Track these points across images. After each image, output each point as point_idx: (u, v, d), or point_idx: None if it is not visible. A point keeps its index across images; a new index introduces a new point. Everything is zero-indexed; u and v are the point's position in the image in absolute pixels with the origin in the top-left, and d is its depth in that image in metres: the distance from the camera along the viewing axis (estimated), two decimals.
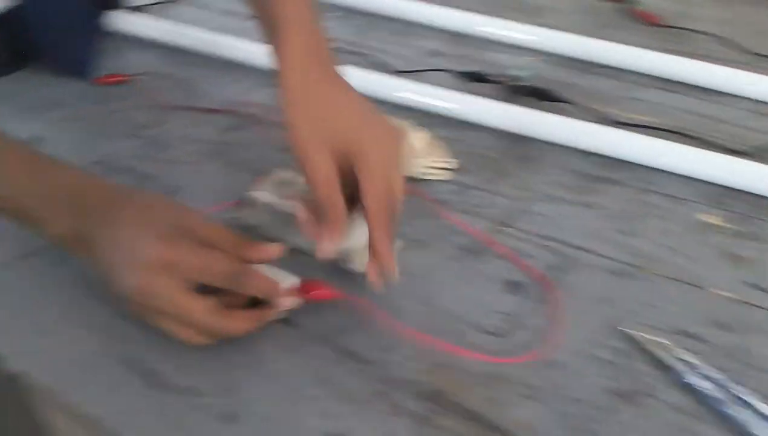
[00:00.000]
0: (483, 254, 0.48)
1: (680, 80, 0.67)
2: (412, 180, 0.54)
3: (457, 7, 0.79)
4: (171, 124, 0.62)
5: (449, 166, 0.56)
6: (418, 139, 0.56)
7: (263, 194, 0.49)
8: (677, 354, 0.41)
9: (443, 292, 0.46)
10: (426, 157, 0.56)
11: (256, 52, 0.68)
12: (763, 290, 0.45)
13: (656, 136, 0.58)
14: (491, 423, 0.38)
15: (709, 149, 0.57)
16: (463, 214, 0.52)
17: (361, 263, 0.44)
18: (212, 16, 0.81)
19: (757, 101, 0.64)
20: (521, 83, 0.65)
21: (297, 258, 0.45)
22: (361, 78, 0.63)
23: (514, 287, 0.46)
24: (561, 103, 0.63)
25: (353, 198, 0.41)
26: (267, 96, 0.65)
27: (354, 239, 0.44)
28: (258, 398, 0.39)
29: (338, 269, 0.46)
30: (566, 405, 0.39)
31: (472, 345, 0.42)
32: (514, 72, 0.67)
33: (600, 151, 0.57)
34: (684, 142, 0.58)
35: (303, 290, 0.43)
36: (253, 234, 0.48)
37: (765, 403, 0.38)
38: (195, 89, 0.67)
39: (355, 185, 0.40)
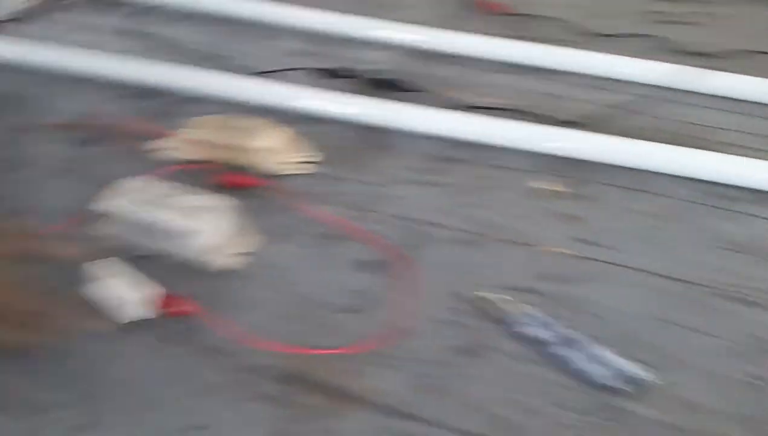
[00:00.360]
0: (341, 240, 0.51)
1: (522, 63, 0.72)
2: (273, 175, 0.56)
3: (317, 7, 0.82)
4: (23, 144, 0.60)
5: (312, 160, 0.58)
6: (279, 136, 0.58)
7: (116, 204, 0.49)
8: (517, 308, 0.44)
9: (303, 279, 0.48)
10: (287, 154, 0.58)
11: (106, 65, 0.67)
12: (591, 243, 0.50)
13: (499, 116, 0.63)
14: (350, 394, 0.40)
15: (544, 123, 0.62)
16: (324, 204, 0.54)
17: (218, 257, 0.46)
18: (61, 33, 0.79)
19: (590, 76, 0.70)
20: (378, 76, 0.68)
21: (153, 263, 0.46)
22: (222, 82, 0.64)
23: (371, 266, 0.49)
24: (416, 93, 0.67)
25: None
26: (118, 108, 0.65)
27: (210, 234, 0.45)
28: (116, 405, 0.39)
29: (193, 270, 0.47)
30: (418, 367, 0.41)
31: (333, 325, 0.44)
32: (371, 66, 0.70)
33: (447, 135, 0.60)
34: (522, 119, 0.63)
35: (162, 304, 0.44)
36: (107, 245, 0.48)
37: (594, 342, 0.42)
38: (45, 106, 0.65)
39: None
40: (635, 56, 0.73)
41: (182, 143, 0.57)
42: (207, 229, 0.46)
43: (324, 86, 0.67)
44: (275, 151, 0.57)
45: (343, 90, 0.66)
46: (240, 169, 0.55)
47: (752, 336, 0.43)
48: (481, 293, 0.46)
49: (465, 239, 0.51)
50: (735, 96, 0.65)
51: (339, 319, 0.44)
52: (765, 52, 0.72)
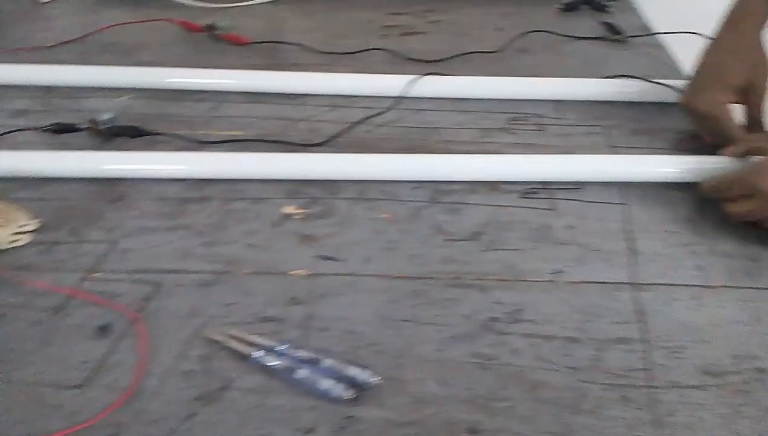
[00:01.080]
0: (68, 309, 0.47)
1: (265, 91, 0.73)
2: None
3: (45, 61, 0.77)
4: None
5: (30, 229, 0.54)
6: None
7: None
8: (254, 341, 0.44)
9: (26, 360, 0.44)
10: (3, 227, 0.53)
11: None
12: (329, 258, 0.52)
13: (240, 149, 0.63)
14: None
15: (287, 149, 0.64)
16: (49, 273, 0.50)
17: None
18: None
19: (331, 96, 0.73)
20: (111, 125, 0.65)
21: None
22: None
23: (102, 331, 0.46)
24: (153, 136, 0.65)
25: None
26: None
27: None
28: None
29: None
30: (157, 429, 0.40)
31: (60, 404, 0.41)
32: (103, 115, 0.66)
33: (185, 176, 0.59)
34: (265, 148, 0.64)
35: None
36: None
37: (327, 358, 0.43)
38: None
39: None
40: (372, 71, 0.78)
41: None
42: None
43: (54, 144, 0.63)
44: None
45: (74, 145, 0.63)
46: None
47: (470, 318, 0.47)
48: (217, 334, 0.45)
49: (206, 280, 0.50)
50: (456, 96, 0.71)
51: (66, 396, 0.41)
52: (479, 52, 0.80)
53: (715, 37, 0.62)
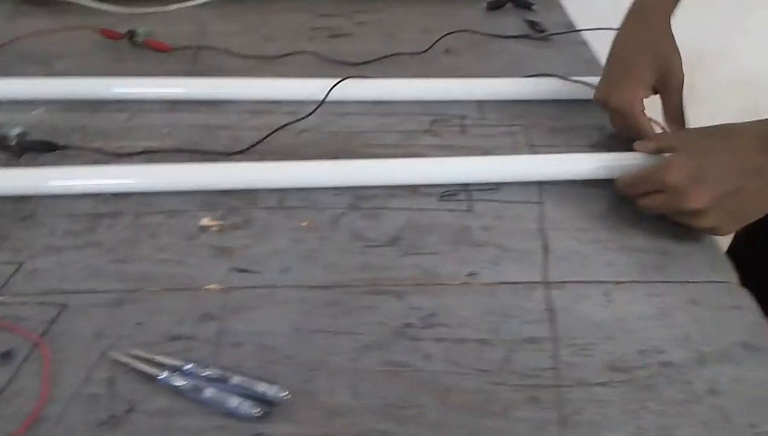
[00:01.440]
0: None
1: (185, 99, 0.71)
2: None
3: None
4: None
5: None
6: None
7: None
8: (161, 361, 0.43)
9: None
10: None
11: None
12: (245, 270, 0.51)
13: (157, 160, 0.62)
14: None
15: (206, 158, 0.62)
16: None
17: None
18: None
19: (253, 102, 0.72)
20: (21, 140, 0.63)
21: None
22: None
23: (4, 358, 0.44)
24: (66, 150, 0.63)
25: None
26: None
27: None
28: None
29: None
30: None
31: None
32: (13, 130, 0.64)
33: (97, 190, 0.58)
34: (183, 158, 0.62)
35: None
36: None
37: (236, 375, 0.42)
38: None
39: None
40: (299, 74, 0.77)
41: None
42: None
43: None
44: None
45: None
46: None
47: (385, 325, 0.47)
48: (123, 356, 0.44)
49: (115, 299, 0.48)
50: (380, 98, 0.71)
51: None
52: (405, 53, 0.80)
53: (622, 29, 0.63)
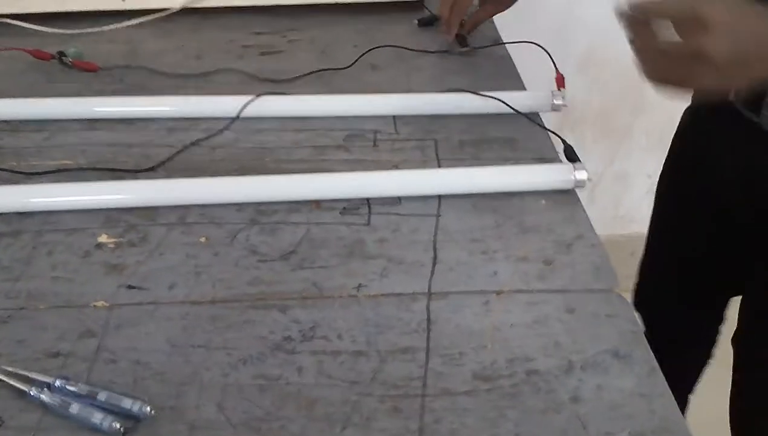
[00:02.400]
0: None
1: (103, 117, 0.72)
2: None
3: None
4: None
5: None
6: None
7: None
8: (33, 377, 0.44)
9: None
10: None
11: None
12: (134, 287, 0.52)
13: (67, 178, 0.62)
14: None
15: (116, 176, 0.63)
16: None
17: None
18: None
19: (171, 119, 0.73)
20: None
21: None
22: None
23: None
24: None
25: None
26: None
27: None
28: None
29: None
30: None
31: None
32: None
33: (1, 210, 0.58)
34: (94, 176, 0.63)
35: None
36: None
37: (104, 391, 0.43)
38: None
39: None
40: (222, 92, 0.78)
41: None
42: None
43: None
44: None
45: None
46: None
47: (265, 339, 0.47)
48: None
49: (2, 316, 0.49)
50: (296, 114, 0.72)
51: None
52: (330, 69, 0.81)
53: None
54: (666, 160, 0.88)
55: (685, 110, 0.83)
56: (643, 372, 0.45)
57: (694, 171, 0.80)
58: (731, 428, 0.78)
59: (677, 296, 0.90)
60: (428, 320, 0.48)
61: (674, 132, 0.85)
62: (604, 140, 1.50)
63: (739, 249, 0.77)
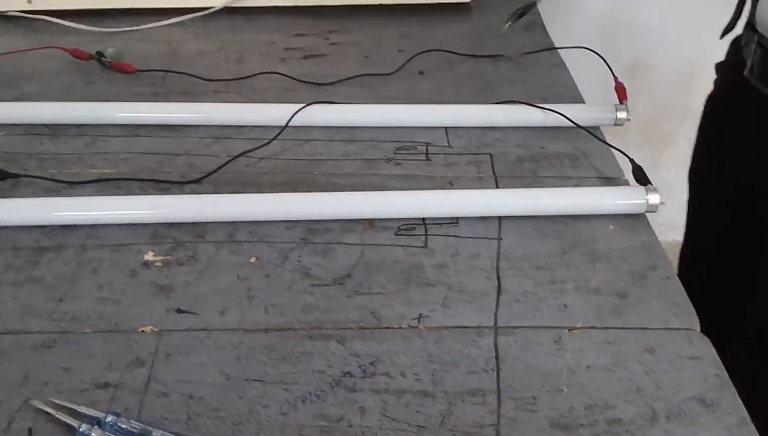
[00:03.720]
0: None
1: (145, 123, 0.70)
2: None
3: None
4: None
5: None
6: None
7: None
8: (83, 411, 0.42)
9: None
10: None
11: None
12: (183, 311, 0.49)
13: (110, 188, 0.60)
14: None
15: (160, 187, 0.61)
16: None
17: None
18: None
19: (215, 127, 0.70)
20: None
21: None
22: None
23: None
24: (19, 178, 0.62)
25: None
26: None
27: None
28: None
29: None
30: None
31: None
32: None
33: (42, 222, 0.56)
34: (136, 187, 0.61)
35: None
36: None
37: (157, 429, 0.40)
38: None
39: None
40: (266, 97, 0.76)
41: None
42: None
43: None
44: None
45: None
46: None
47: (323, 373, 0.44)
48: (45, 404, 0.42)
49: (47, 341, 0.47)
50: (345, 124, 0.69)
51: None
52: (373, 75, 0.78)
53: None
54: (692, 154, 0.88)
55: (705, 102, 0.83)
56: (732, 423, 0.41)
57: (719, 158, 0.81)
58: None
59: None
60: (497, 357, 0.45)
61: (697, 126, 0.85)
62: (648, 146, 1.46)
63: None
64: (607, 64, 0.76)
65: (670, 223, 1.55)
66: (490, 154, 0.66)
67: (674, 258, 0.94)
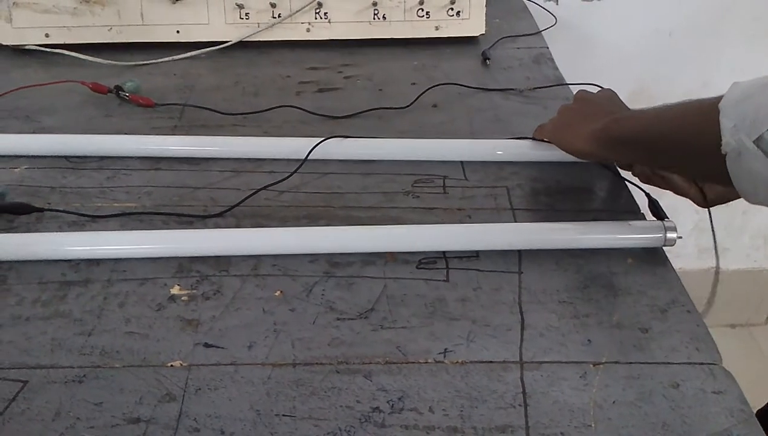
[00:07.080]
0: None
1: (166, 156, 0.71)
2: None
3: None
4: None
5: None
6: None
7: None
8: None
9: None
10: None
11: None
12: (211, 345, 0.50)
13: (132, 222, 0.61)
14: None
15: (183, 221, 0.62)
16: None
17: None
18: None
19: (235, 160, 0.71)
20: None
21: None
22: None
23: None
24: (43, 212, 0.62)
25: None
26: None
27: None
28: None
29: None
30: None
31: None
32: None
33: (68, 257, 0.57)
34: (159, 220, 0.62)
35: None
36: None
37: None
38: None
39: None
40: (283, 130, 0.77)
41: None
42: None
43: None
44: None
45: None
46: None
47: (352, 409, 0.45)
48: None
49: (77, 375, 0.47)
50: (363, 157, 0.71)
51: None
52: (387, 108, 0.79)
53: None
54: None
55: None
56: None
57: None
58: None
59: None
60: (524, 393, 0.46)
61: None
62: None
63: None
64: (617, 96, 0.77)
65: (674, 251, 1.56)
66: (506, 187, 0.67)
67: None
